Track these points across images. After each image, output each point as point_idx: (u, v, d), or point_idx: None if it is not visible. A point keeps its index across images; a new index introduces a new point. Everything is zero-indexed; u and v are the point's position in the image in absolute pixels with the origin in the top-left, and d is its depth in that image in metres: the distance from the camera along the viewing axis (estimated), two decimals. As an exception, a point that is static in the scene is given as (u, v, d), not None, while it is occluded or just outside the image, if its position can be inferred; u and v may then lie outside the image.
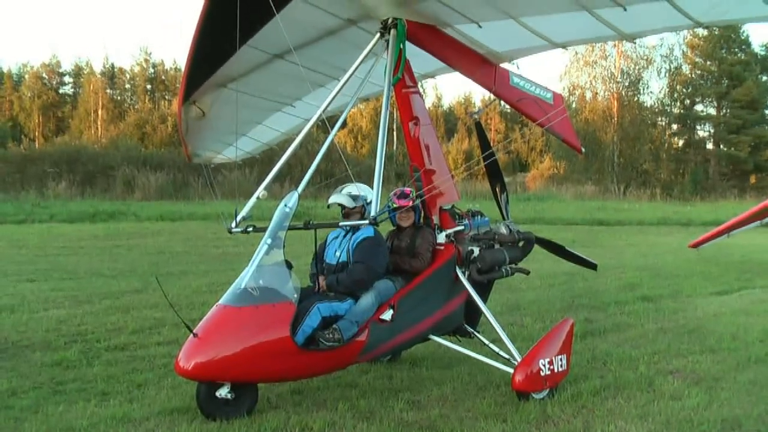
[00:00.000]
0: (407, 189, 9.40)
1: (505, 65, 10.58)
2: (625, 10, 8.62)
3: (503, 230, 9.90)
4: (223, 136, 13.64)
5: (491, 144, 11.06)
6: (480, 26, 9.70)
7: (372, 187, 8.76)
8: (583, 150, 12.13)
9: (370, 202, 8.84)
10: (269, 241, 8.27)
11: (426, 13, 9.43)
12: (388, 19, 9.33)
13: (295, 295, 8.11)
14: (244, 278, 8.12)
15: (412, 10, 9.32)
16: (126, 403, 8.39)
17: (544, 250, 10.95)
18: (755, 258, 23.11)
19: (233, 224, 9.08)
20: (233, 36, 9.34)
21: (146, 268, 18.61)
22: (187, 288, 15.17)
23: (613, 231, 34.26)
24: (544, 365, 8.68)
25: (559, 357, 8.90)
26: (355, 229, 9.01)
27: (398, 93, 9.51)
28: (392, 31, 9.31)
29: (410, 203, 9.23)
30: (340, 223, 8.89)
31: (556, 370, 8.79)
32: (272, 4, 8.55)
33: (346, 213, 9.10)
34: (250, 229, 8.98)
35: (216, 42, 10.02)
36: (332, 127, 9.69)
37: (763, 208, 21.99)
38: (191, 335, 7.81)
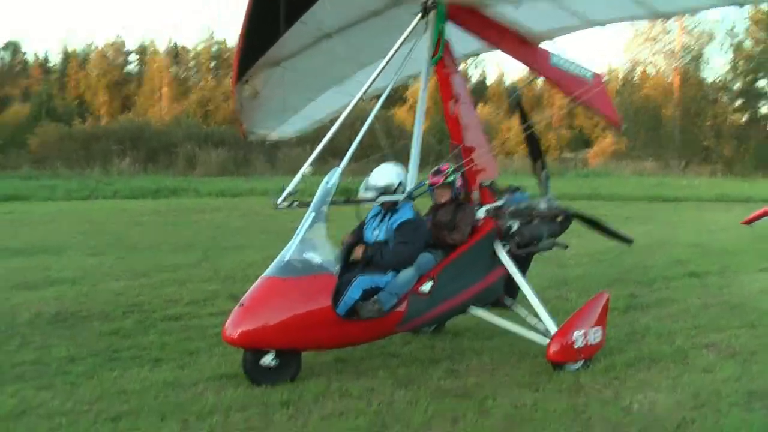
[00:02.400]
0: (443, 166, 9.69)
1: (545, 45, 10.81)
2: (658, -12, 8.83)
3: (542, 205, 10.14)
4: (277, 114, 13.99)
5: (531, 119, 11.30)
6: (518, 7, 9.92)
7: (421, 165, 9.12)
8: (628, 126, 12.30)
9: (401, 182, 9.21)
10: (312, 215, 8.62)
11: (465, -6, 9.67)
12: (427, 1, 9.63)
13: (337, 267, 8.50)
14: (289, 251, 8.49)
15: (451, -9, 9.58)
16: (177, 369, 8.80)
17: (581, 224, 11.17)
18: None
19: (279, 199, 9.41)
20: (282, 17, 9.71)
21: (204, 243, 19.13)
22: (243, 262, 15.58)
23: (670, 207, 33.98)
24: (579, 337, 8.92)
25: (594, 329, 9.14)
26: (393, 209, 9.34)
27: (438, 72, 9.83)
28: (432, 12, 9.61)
29: (441, 180, 9.53)
30: (379, 198, 9.18)
31: (590, 342, 9.03)
32: None
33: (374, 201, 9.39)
34: (295, 204, 9.30)
35: (266, 23, 10.36)
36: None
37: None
38: (238, 305, 8.22)
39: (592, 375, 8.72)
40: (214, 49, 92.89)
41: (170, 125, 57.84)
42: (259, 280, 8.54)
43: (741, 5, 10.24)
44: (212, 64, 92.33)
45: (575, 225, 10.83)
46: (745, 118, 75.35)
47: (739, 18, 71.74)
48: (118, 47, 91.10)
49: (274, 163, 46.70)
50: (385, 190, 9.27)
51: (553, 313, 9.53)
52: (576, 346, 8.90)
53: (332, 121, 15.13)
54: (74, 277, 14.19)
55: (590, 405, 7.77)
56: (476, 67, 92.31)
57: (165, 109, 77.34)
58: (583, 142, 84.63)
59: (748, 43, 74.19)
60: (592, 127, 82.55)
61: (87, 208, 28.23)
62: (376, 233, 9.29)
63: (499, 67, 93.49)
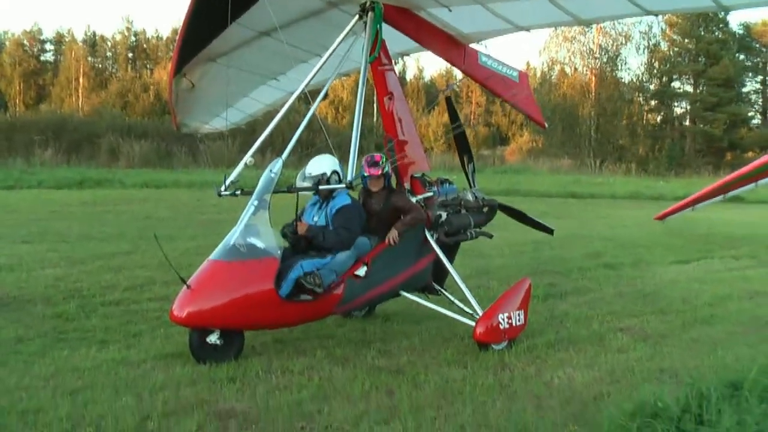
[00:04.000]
0: (377, 156, 10.24)
1: (474, 46, 11.43)
2: (582, -4, 9.51)
3: (469, 197, 10.84)
4: (211, 108, 14.44)
5: (463, 120, 11.95)
6: (450, 10, 10.49)
7: (344, 157, 9.68)
8: (547, 125, 13.01)
9: (335, 171, 9.73)
10: (256, 202, 9.09)
11: (401, -2, 10.26)
12: (366, 2, 10.18)
13: (279, 252, 8.98)
14: (233, 236, 8.95)
15: (388, -6, 10.16)
16: (124, 349, 9.18)
17: (506, 215, 11.82)
18: (720, 231, 23.92)
19: (222, 188, 9.82)
20: (223, 14, 10.16)
21: (134, 233, 19.29)
22: (175, 251, 15.89)
23: (586, 204, 35.10)
24: (503, 319, 9.54)
25: (517, 312, 9.77)
26: (330, 196, 9.82)
27: (374, 70, 10.39)
28: (370, 14, 10.15)
29: (379, 172, 10.05)
30: (320, 187, 9.64)
31: (514, 324, 9.65)
32: None
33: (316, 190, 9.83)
34: (238, 192, 9.77)
35: (207, 19, 10.81)
36: (314, 100, 10.55)
37: (726, 183, 22.93)
38: (185, 287, 8.65)
39: (515, 354, 9.34)
40: (131, 39, 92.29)
41: (92, 116, 57.42)
42: (205, 263, 8.96)
43: (656, 15, 10.95)
44: (130, 55, 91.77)
45: (497, 219, 11.49)
46: (659, 118, 77.30)
47: (655, 21, 73.30)
48: (34, 35, 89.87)
49: (196, 156, 46.79)
50: (321, 179, 9.73)
51: (479, 301, 10.11)
52: (501, 328, 9.51)
53: (264, 115, 15.66)
54: (11, 264, 14.40)
55: (515, 380, 8.38)
56: (396, 63, 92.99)
57: (82, 100, 76.66)
58: (501, 139, 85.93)
59: (663, 45, 76.17)
60: (509, 125, 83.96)
61: (12, 198, 28.10)
62: (315, 219, 9.77)
63: (417, 63, 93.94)
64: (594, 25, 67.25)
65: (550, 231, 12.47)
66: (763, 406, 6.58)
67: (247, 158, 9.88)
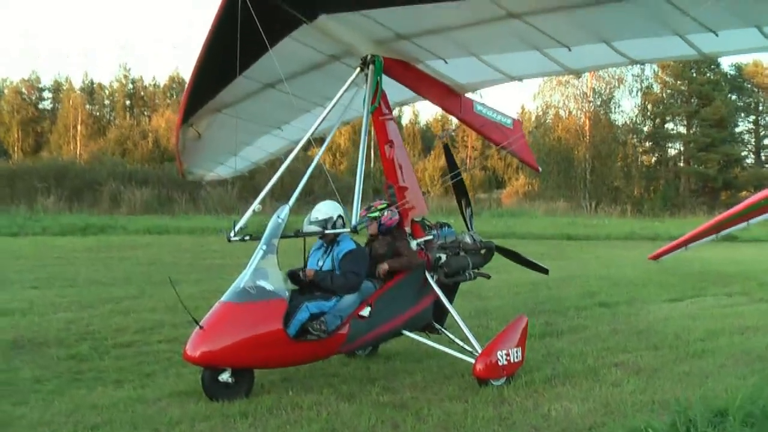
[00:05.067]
0: (376, 203, 10.79)
1: (469, 95, 11.95)
2: (570, 50, 10.03)
3: (467, 239, 11.34)
4: (216, 156, 14.98)
5: (458, 164, 12.47)
6: (446, 62, 11.07)
7: (343, 202, 10.17)
8: (541, 169, 13.53)
9: (340, 215, 10.22)
10: (264, 247, 9.52)
11: (400, 51, 10.79)
12: (367, 55, 10.68)
13: (287, 294, 9.44)
14: (243, 279, 9.36)
15: (387, 48, 10.70)
16: (139, 388, 9.55)
17: (502, 256, 12.28)
18: (713, 269, 24.33)
19: (232, 233, 10.19)
20: (230, 67, 10.68)
21: (140, 277, 19.72)
22: (181, 295, 16.20)
23: (581, 245, 35.61)
24: (502, 356, 9.94)
25: (515, 349, 10.19)
26: (334, 242, 10.29)
27: (375, 119, 10.88)
28: (371, 66, 10.64)
29: (395, 220, 10.66)
30: (326, 231, 10.11)
31: (512, 361, 10.06)
32: (266, 41, 9.87)
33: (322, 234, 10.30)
34: (247, 237, 10.17)
35: (214, 73, 11.36)
36: (317, 148, 11.07)
37: (718, 222, 23.39)
38: (198, 327, 9.07)
39: (514, 389, 9.73)
40: (129, 87, 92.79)
41: (93, 164, 57.86)
42: (216, 304, 9.40)
43: (641, 64, 11.48)
44: (127, 103, 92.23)
45: (496, 262, 11.95)
46: (653, 159, 77.87)
47: (647, 64, 73.98)
48: (33, 83, 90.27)
49: (197, 202, 47.33)
50: (326, 224, 10.20)
51: (479, 341, 10.48)
52: (500, 364, 9.92)
53: (267, 163, 16.16)
54: (23, 308, 14.77)
55: (514, 413, 8.78)
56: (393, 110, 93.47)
57: (80, 147, 77.00)
58: (497, 182, 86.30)
59: (656, 87, 76.90)
60: (505, 168, 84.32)
61: (18, 245, 28.48)
62: (320, 264, 10.23)
63: (413, 108, 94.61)
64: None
65: (545, 271, 12.94)
66: (746, 430, 7.02)
67: (255, 205, 10.27)
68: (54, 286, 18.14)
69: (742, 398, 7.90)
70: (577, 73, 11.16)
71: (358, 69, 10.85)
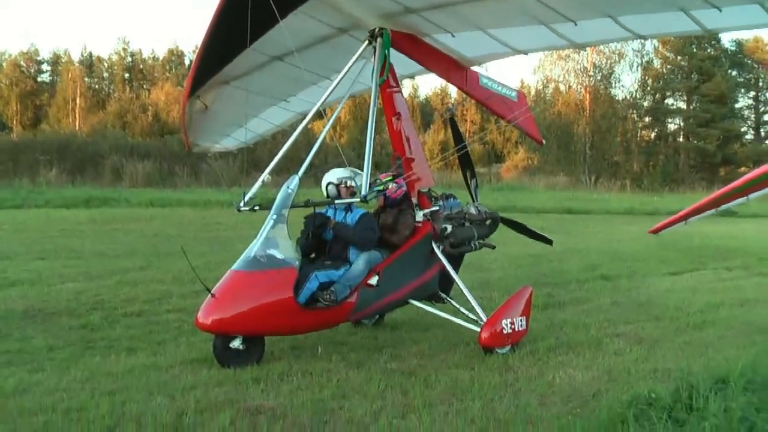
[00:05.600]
0: (381, 175, 10.99)
1: (475, 68, 12.08)
2: (576, 24, 10.15)
3: (473, 210, 11.50)
4: (222, 128, 15.12)
5: (464, 136, 12.61)
6: (453, 36, 11.18)
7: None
8: (544, 141, 13.69)
9: (352, 178, 10.44)
10: (275, 216, 9.69)
11: (408, 24, 10.87)
12: (374, 28, 10.80)
13: (297, 263, 9.62)
14: (254, 248, 9.54)
15: (395, 22, 10.78)
16: (151, 355, 9.75)
17: (507, 227, 12.44)
18: (712, 244, 24.64)
19: (241, 203, 10.38)
20: (238, 40, 10.80)
21: (146, 249, 19.96)
22: (186, 265, 16.47)
23: (581, 219, 35.91)
24: (507, 325, 10.15)
25: (520, 318, 10.39)
26: (347, 209, 10.53)
27: (383, 92, 10.97)
28: (378, 39, 10.76)
29: (403, 191, 10.90)
30: (336, 201, 10.33)
31: (516, 329, 10.27)
32: (277, 13, 10.00)
33: (339, 193, 10.53)
34: (257, 207, 10.34)
35: (222, 46, 11.44)
36: (323, 120, 11.24)
37: (717, 197, 23.53)
38: (209, 295, 9.26)
39: (519, 357, 9.94)
40: (128, 60, 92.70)
41: (95, 137, 57.96)
42: (227, 273, 9.57)
43: (645, 39, 11.63)
44: (126, 76, 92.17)
45: (497, 234, 12.12)
46: (653, 134, 77.99)
47: (649, 39, 74.10)
48: (31, 56, 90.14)
49: (198, 175, 47.49)
50: (346, 181, 10.56)
51: (483, 311, 10.67)
52: (504, 333, 10.12)
53: (270, 136, 16.32)
54: (31, 279, 14.97)
55: (519, 380, 8.98)
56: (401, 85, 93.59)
57: (79, 120, 77.03)
58: (495, 156, 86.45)
59: (656, 62, 76.95)
60: (504, 143, 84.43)
61: (22, 217, 28.62)
62: (332, 232, 10.45)
63: (413, 83, 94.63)
64: (588, 45, 67.97)
65: (549, 242, 13.10)
66: (747, 396, 7.24)
67: (265, 175, 10.44)
68: (60, 257, 18.32)
69: (743, 366, 8.09)
70: (583, 47, 11.24)
71: (366, 42, 10.97)
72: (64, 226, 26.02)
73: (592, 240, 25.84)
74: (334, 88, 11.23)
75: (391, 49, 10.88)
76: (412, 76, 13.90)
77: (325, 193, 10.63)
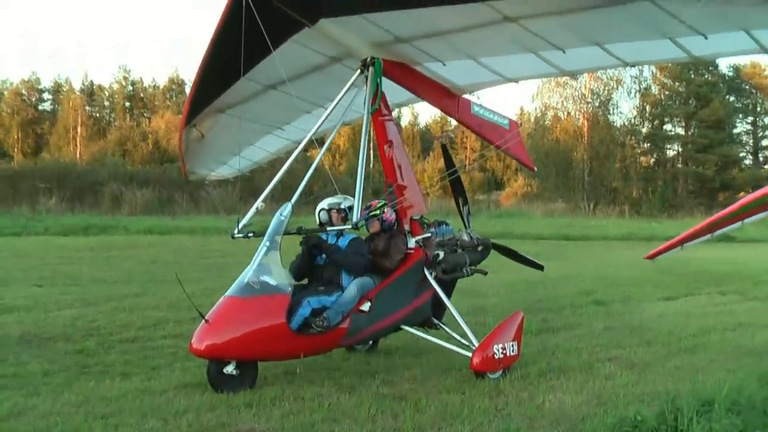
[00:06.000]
0: (374, 202, 11.17)
1: (467, 96, 12.23)
2: (564, 52, 10.29)
3: (465, 237, 11.61)
4: (218, 156, 15.29)
5: (458, 165, 12.74)
6: (444, 64, 11.36)
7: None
8: (536, 168, 13.84)
9: (349, 207, 10.55)
10: (268, 243, 9.82)
11: (399, 53, 11.05)
12: (367, 58, 10.98)
13: (290, 289, 9.74)
14: (247, 274, 9.65)
15: (387, 51, 10.98)
16: (146, 380, 9.81)
17: (498, 253, 12.54)
18: (708, 269, 24.74)
19: (236, 231, 10.47)
20: (233, 70, 10.95)
21: (142, 276, 20.06)
22: (183, 293, 16.64)
23: (578, 245, 36.04)
24: (498, 350, 10.25)
25: (511, 343, 10.49)
26: (338, 236, 10.67)
27: (375, 120, 11.15)
28: (371, 68, 10.93)
29: (393, 218, 11.05)
30: (329, 228, 10.47)
31: (508, 354, 10.36)
32: (269, 44, 10.17)
33: (331, 219, 10.70)
34: (251, 234, 10.43)
35: (217, 75, 11.64)
36: (319, 148, 11.40)
37: (713, 222, 23.59)
38: (203, 321, 9.37)
39: (510, 382, 10.03)
40: (129, 88, 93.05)
41: (94, 165, 58.24)
42: (221, 299, 9.67)
43: (633, 66, 11.77)
44: (127, 104, 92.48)
45: (494, 261, 12.23)
46: (652, 160, 78.18)
47: (645, 66, 74.44)
48: (33, 85, 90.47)
49: (198, 203, 47.74)
50: (339, 205, 10.78)
51: (477, 337, 10.75)
52: (496, 357, 10.22)
53: (267, 164, 16.50)
54: (28, 305, 15.06)
55: (509, 404, 9.06)
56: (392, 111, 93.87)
57: (80, 149, 77.28)
58: (495, 184, 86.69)
59: (654, 89, 77.23)
60: (504, 170, 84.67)
61: (21, 244, 28.81)
62: (323, 256, 10.58)
63: (412, 110, 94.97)
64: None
65: (540, 267, 13.17)
66: (731, 417, 7.34)
67: (259, 203, 10.57)
68: (58, 284, 18.41)
69: (729, 389, 8.22)
70: (572, 75, 11.38)
71: (359, 71, 11.14)
72: (62, 253, 26.16)
73: (587, 266, 25.95)
74: (327, 116, 11.38)
75: (384, 78, 11.04)
76: (404, 105, 14.06)
77: (317, 221, 10.81)
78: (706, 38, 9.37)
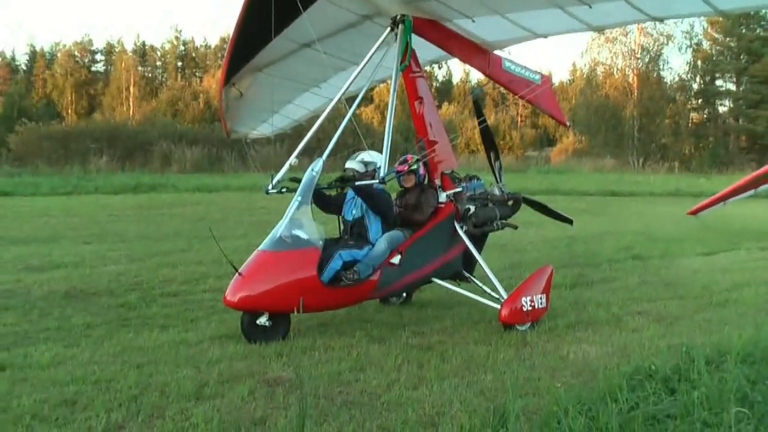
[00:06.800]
0: (409, 156, 11.32)
1: (497, 52, 12.35)
2: (590, 7, 10.32)
3: (496, 191, 11.79)
4: (259, 114, 15.50)
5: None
6: (473, 21, 11.45)
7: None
8: (569, 124, 13.94)
9: (380, 167, 10.72)
10: (299, 198, 10.09)
11: (428, 10, 11.15)
12: (397, 15, 11.13)
13: (321, 242, 10.00)
14: (279, 228, 9.96)
15: (416, 8, 11.08)
16: (183, 332, 10.16)
17: (529, 207, 12.67)
18: (751, 226, 24.53)
19: (270, 186, 10.79)
20: (268, 28, 11.16)
21: (188, 233, 20.52)
22: (227, 249, 16.46)
23: (624, 201, 35.77)
24: (527, 302, 10.44)
25: (540, 296, 10.66)
26: None
27: (406, 77, 11.35)
28: (400, 26, 11.09)
29: (406, 168, 11.18)
30: (356, 183, 10.59)
31: (536, 307, 10.55)
32: (299, 4, 10.38)
33: (359, 177, 10.80)
34: (284, 189, 10.75)
35: (253, 34, 11.82)
36: (351, 106, 11.61)
37: (756, 177, 23.51)
38: (237, 274, 9.67)
39: (537, 334, 10.23)
40: (180, 48, 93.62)
41: (144, 125, 58.85)
42: (254, 253, 10.01)
43: (660, 20, 11.77)
44: (179, 64, 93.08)
45: (535, 217, 12.38)
46: (703, 116, 77.29)
47: (696, 20, 73.59)
48: (85, 46, 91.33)
49: (246, 161, 48.10)
50: (367, 166, 10.88)
51: (509, 290, 10.90)
52: (524, 310, 10.41)
53: (308, 121, 16.76)
54: (75, 262, 15.52)
55: (534, 354, 9.27)
56: (440, 68, 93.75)
57: (133, 109, 78.04)
58: (548, 140, 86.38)
59: (705, 44, 76.19)
60: (556, 126, 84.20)
61: (71, 203, 29.39)
62: (354, 212, 10.83)
63: (463, 68, 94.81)
64: (635, 26, 67.76)
65: (569, 221, 13.22)
66: (743, 368, 7.51)
67: (292, 159, 10.83)
68: (105, 241, 18.87)
69: (745, 341, 8.36)
70: (599, 30, 11.40)
71: (389, 29, 11.28)
72: (111, 211, 26.72)
73: (631, 221, 25.88)
74: (358, 74, 11.53)
75: (414, 35, 11.19)
76: (436, 62, 14.20)
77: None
78: None
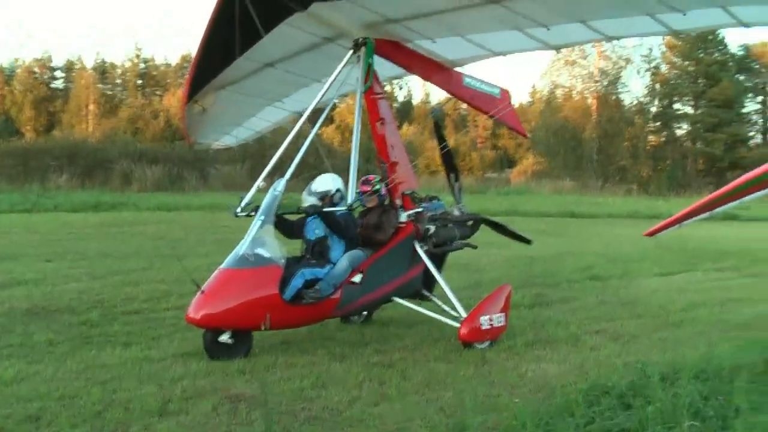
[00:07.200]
0: (371, 176, 11.46)
1: (458, 68, 12.55)
2: (548, 29, 10.63)
3: (455, 212, 12.00)
4: (221, 127, 15.83)
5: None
6: (434, 41, 11.71)
7: (341, 176, 10.85)
8: (529, 135, 14.22)
9: (338, 189, 10.86)
10: (262, 217, 10.21)
11: (390, 33, 11.40)
12: (358, 38, 11.34)
13: (283, 261, 10.11)
14: (242, 247, 10.06)
15: (378, 31, 11.34)
16: (146, 349, 10.19)
17: (489, 228, 12.83)
18: (708, 247, 24.67)
19: (238, 209, 10.86)
20: (231, 50, 11.33)
21: (150, 251, 20.36)
22: (189, 267, 16.86)
23: (583, 223, 36.03)
24: (486, 321, 10.61)
25: (499, 315, 10.83)
26: None
27: (368, 98, 11.55)
28: (362, 48, 11.30)
29: (369, 189, 11.32)
30: (324, 209, 10.68)
31: (495, 325, 10.71)
32: (261, 30, 10.57)
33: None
34: (253, 213, 10.72)
35: (216, 55, 12.01)
36: (316, 121, 11.79)
37: (712, 200, 23.74)
38: (199, 292, 9.76)
39: (496, 352, 10.40)
40: (141, 66, 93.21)
41: (104, 142, 58.53)
42: (216, 271, 10.08)
43: (615, 40, 12.09)
44: (139, 82, 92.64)
45: (496, 238, 12.54)
46: (661, 139, 78.04)
47: (655, 44, 74.44)
48: (45, 63, 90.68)
49: (207, 180, 48.10)
50: (325, 195, 10.95)
51: (468, 309, 11.04)
52: (483, 328, 10.58)
53: (270, 141, 16.94)
54: (36, 279, 15.41)
55: (493, 372, 9.41)
56: (401, 88, 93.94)
57: (92, 126, 77.56)
58: (507, 162, 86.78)
59: (663, 68, 77.03)
60: (516, 148, 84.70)
61: (31, 221, 29.08)
62: (317, 232, 10.89)
63: (423, 89, 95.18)
64: (594, 50, 68.61)
65: (528, 241, 13.40)
66: (696, 384, 7.71)
67: (260, 181, 10.86)
68: (66, 259, 18.70)
69: (698, 358, 8.58)
70: (557, 49, 11.63)
71: (351, 51, 11.48)
72: (72, 229, 26.45)
73: (590, 242, 26.07)
74: (323, 95, 11.78)
75: (376, 56, 11.38)
76: (397, 78, 14.44)
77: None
78: (684, 14, 9.67)
